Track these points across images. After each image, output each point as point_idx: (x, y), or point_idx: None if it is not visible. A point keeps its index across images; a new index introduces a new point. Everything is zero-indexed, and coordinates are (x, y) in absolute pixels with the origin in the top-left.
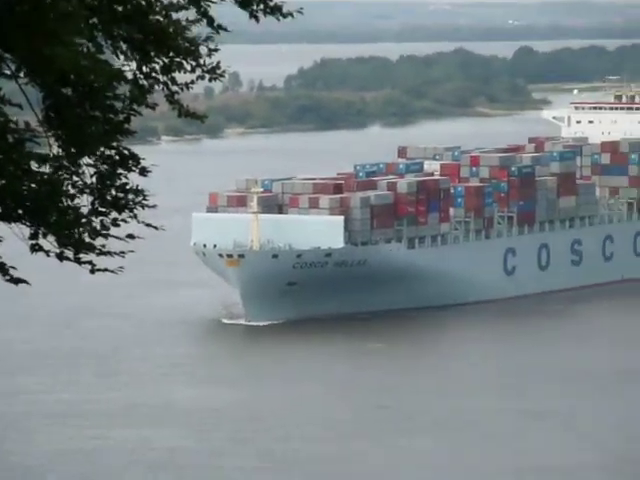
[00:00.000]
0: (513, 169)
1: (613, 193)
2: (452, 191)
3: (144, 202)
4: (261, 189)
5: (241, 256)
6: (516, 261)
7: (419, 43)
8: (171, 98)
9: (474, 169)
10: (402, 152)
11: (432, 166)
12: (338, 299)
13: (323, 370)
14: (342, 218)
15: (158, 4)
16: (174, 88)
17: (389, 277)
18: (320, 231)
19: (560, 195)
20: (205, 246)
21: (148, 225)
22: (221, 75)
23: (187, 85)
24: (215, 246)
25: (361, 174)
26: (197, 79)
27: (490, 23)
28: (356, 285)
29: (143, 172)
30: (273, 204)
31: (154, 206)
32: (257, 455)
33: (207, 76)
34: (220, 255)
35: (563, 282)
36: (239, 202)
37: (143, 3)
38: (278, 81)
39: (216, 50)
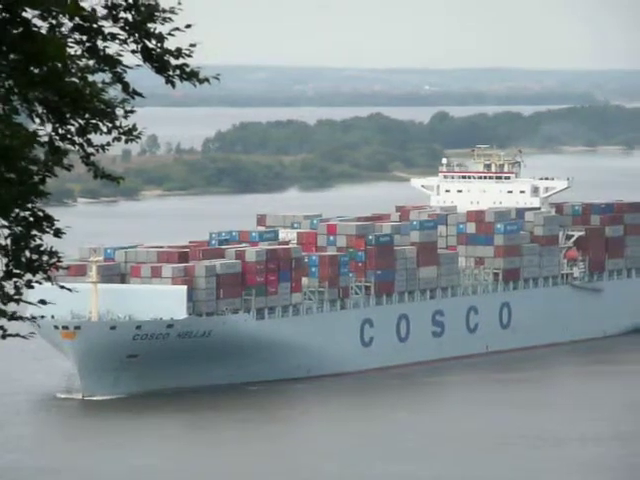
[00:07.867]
0: (370, 238)
1: (479, 263)
2: (306, 260)
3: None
4: (101, 258)
5: (77, 328)
6: (373, 332)
7: (336, 108)
8: (87, 160)
9: (331, 238)
10: (261, 220)
11: (289, 235)
12: (181, 372)
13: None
14: (185, 287)
15: (74, 67)
16: (90, 150)
17: (236, 349)
18: (162, 301)
19: (420, 265)
20: (42, 317)
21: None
22: (137, 137)
23: (103, 147)
24: (53, 317)
25: (213, 242)
26: (113, 141)
27: (406, 89)
28: (200, 357)
29: (57, 234)
30: (115, 273)
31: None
32: None
33: (123, 138)
34: (55, 327)
35: (423, 354)
36: (78, 271)
37: (59, 65)
38: (196, 144)
39: (132, 112)
